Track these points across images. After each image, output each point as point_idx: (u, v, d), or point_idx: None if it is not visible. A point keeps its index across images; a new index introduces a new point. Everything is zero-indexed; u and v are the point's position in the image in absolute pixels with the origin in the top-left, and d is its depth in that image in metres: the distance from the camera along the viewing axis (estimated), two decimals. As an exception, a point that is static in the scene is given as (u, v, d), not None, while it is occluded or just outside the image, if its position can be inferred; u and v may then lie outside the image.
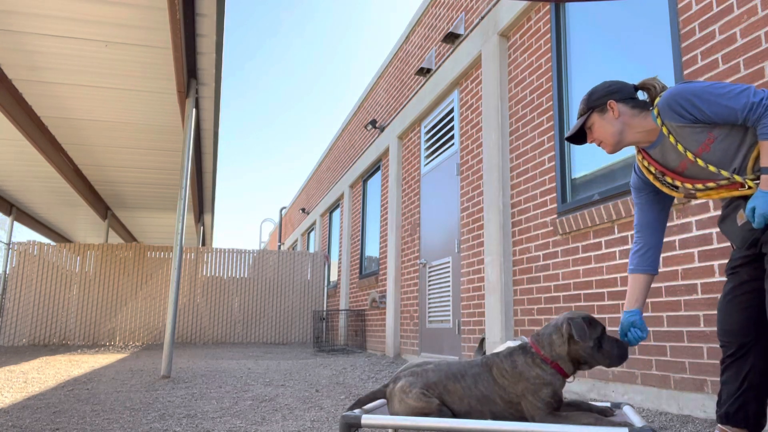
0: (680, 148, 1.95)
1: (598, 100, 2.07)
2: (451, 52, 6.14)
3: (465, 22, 5.95)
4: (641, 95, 2.13)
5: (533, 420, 1.89)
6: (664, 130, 1.96)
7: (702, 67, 3.09)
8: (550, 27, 4.53)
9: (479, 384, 1.97)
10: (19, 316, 10.76)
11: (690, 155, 1.94)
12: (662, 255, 3.24)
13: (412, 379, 2.02)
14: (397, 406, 1.99)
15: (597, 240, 3.79)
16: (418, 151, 7.24)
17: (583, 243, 3.92)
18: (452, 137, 6.26)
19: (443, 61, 6.35)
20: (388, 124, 8.31)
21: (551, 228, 4.28)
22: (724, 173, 1.89)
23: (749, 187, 1.87)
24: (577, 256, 3.97)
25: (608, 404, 2.28)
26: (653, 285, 3.30)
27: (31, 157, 8.51)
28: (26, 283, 10.92)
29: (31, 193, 10.96)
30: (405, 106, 7.60)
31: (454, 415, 1.98)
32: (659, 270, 3.26)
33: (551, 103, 4.42)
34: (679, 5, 3.30)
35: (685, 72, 3.19)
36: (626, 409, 2.13)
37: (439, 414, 1.92)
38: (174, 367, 6.18)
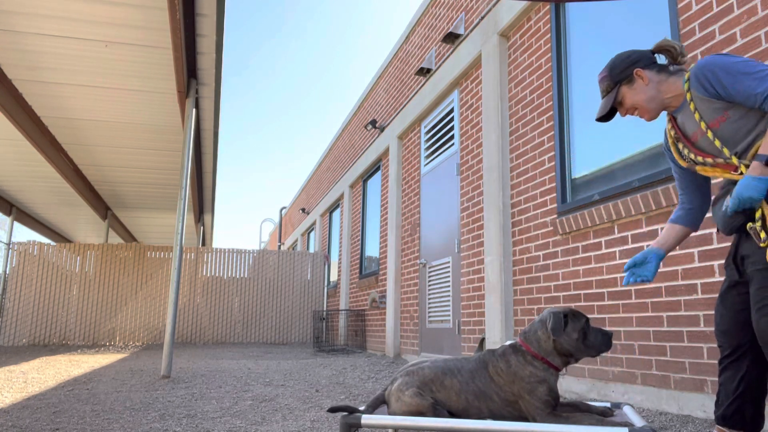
0: (696, 116, 1.95)
1: (623, 72, 2.06)
2: (451, 52, 6.14)
3: (465, 22, 5.95)
4: (659, 59, 2.12)
5: (534, 420, 1.89)
6: (688, 96, 1.96)
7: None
8: (550, 27, 4.53)
9: (476, 380, 1.99)
10: (19, 316, 10.76)
11: (703, 125, 1.94)
12: (662, 255, 3.24)
13: (408, 379, 2.04)
14: (394, 405, 2.01)
15: (597, 240, 3.79)
16: (418, 151, 7.24)
17: (583, 243, 3.92)
18: (452, 137, 6.26)
19: (443, 61, 6.35)
20: (388, 124, 8.31)
21: (551, 228, 4.28)
22: (726, 152, 1.89)
23: (741, 173, 1.86)
24: (577, 256, 3.97)
25: (608, 404, 2.28)
26: (653, 285, 3.30)
27: (31, 157, 8.51)
28: (26, 283, 10.92)
29: (31, 193, 10.96)
30: (405, 106, 7.60)
31: (451, 411, 1.98)
32: (660, 270, 3.26)
33: (551, 103, 4.42)
34: (679, 5, 3.30)
35: (685, 72, 3.19)
36: (626, 409, 2.13)
37: (434, 412, 1.94)
38: (174, 367, 6.18)
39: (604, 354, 3.68)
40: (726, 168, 1.92)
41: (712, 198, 2.10)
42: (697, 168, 2.00)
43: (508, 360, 1.98)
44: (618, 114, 2.17)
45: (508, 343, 2.06)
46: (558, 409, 1.96)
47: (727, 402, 2.03)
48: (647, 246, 3.37)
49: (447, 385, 1.99)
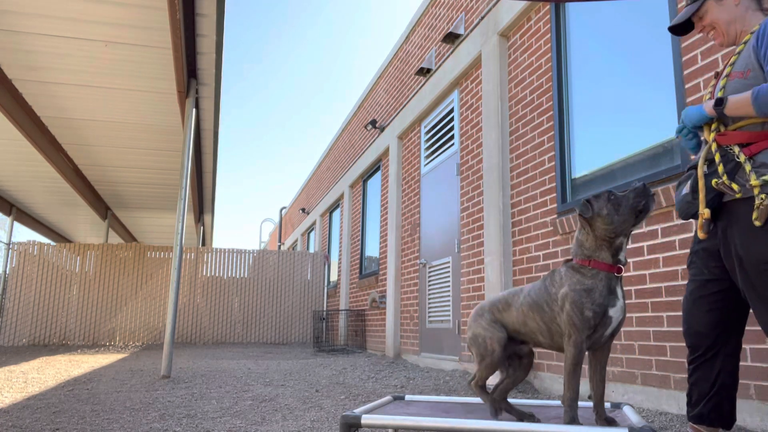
0: (733, 59, 1.92)
1: None
2: (451, 52, 6.14)
3: (465, 22, 5.95)
4: None
5: (563, 337, 1.91)
6: (747, 37, 1.90)
7: (702, 67, 3.09)
8: (550, 27, 4.53)
9: (531, 293, 2.03)
10: (19, 316, 10.76)
11: (728, 69, 1.92)
12: (662, 255, 3.24)
13: (485, 304, 2.16)
14: (473, 326, 2.13)
15: (597, 240, 3.79)
16: (418, 151, 7.24)
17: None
18: (452, 137, 6.26)
19: (443, 61, 6.35)
20: (388, 124, 8.31)
21: (551, 228, 4.28)
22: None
23: (719, 132, 1.87)
24: (577, 256, 3.97)
25: (608, 404, 2.28)
26: (653, 285, 3.30)
27: (31, 157, 8.51)
28: (26, 283, 10.92)
29: (31, 193, 10.96)
30: (405, 106, 7.60)
31: (514, 327, 2.06)
32: (659, 270, 3.26)
33: (551, 103, 4.42)
34: (679, 5, 3.30)
35: (685, 72, 3.19)
36: (626, 409, 2.13)
37: (502, 346, 2.04)
38: (174, 367, 6.18)
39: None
40: (708, 125, 1.91)
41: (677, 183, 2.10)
42: (704, 98, 2.02)
43: (560, 273, 1.97)
44: (692, 31, 2.09)
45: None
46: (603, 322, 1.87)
47: (703, 401, 2.03)
48: (647, 244, 3.37)
49: (510, 303, 2.07)
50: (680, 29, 2.09)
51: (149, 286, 11.51)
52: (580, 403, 2.31)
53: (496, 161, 5.02)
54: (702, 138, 2.01)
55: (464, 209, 5.73)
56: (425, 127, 7.06)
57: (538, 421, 1.99)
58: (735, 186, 1.77)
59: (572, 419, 1.85)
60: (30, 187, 10.42)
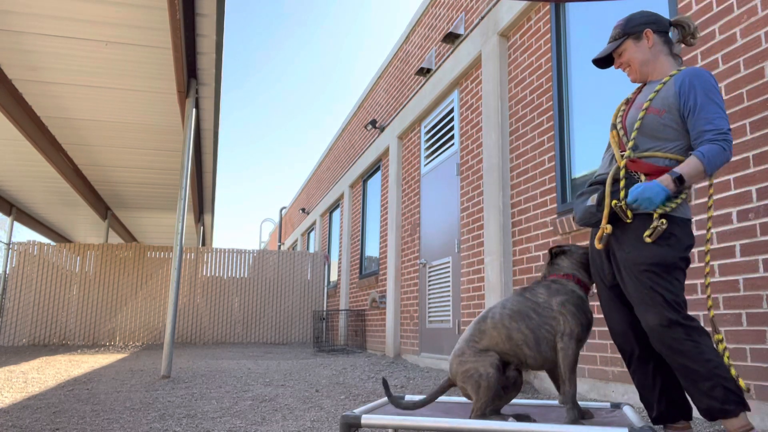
0: (651, 96, 2.06)
1: (635, 27, 2.13)
2: (451, 52, 6.14)
3: (465, 22, 5.95)
4: (672, 36, 2.21)
5: (557, 336, 1.96)
6: (666, 79, 2.05)
7: (701, 68, 3.09)
8: (550, 27, 4.53)
9: (508, 306, 2.07)
10: (19, 316, 10.76)
11: (647, 104, 2.04)
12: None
13: (463, 346, 2.14)
14: (456, 367, 2.09)
15: (597, 240, 3.79)
16: (418, 151, 7.24)
17: (583, 243, 3.92)
18: (452, 137, 6.26)
19: (443, 61, 6.35)
20: (388, 124, 8.31)
21: (551, 228, 4.28)
22: (629, 144, 2.04)
23: (623, 156, 2.02)
24: (577, 256, 3.97)
25: (608, 404, 2.28)
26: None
27: (31, 157, 8.51)
28: (26, 283, 10.92)
29: (31, 193, 10.96)
30: (405, 106, 7.60)
31: (498, 348, 2.05)
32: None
33: (551, 103, 4.42)
34: (679, 5, 3.30)
35: (685, 72, 3.19)
36: (626, 409, 2.13)
37: (496, 368, 2.00)
38: (174, 367, 6.18)
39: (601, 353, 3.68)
40: (621, 145, 2.08)
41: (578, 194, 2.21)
42: (611, 132, 2.13)
43: (548, 285, 2.08)
44: (615, 65, 2.26)
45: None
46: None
47: (655, 401, 2.07)
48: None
49: (483, 329, 2.08)
50: (602, 63, 2.26)
51: (149, 286, 11.51)
52: (584, 404, 2.31)
53: (496, 161, 5.02)
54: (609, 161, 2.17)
55: (464, 209, 5.73)
56: (425, 127, 7.06)
57: (534, 421, 1.99)
58: (629, 213, 1.96)
59: (575, 418, 1.85)
60: (30, 187, 10.42)
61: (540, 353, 1.98)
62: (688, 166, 1.89)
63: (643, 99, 2.09)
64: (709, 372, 1.80)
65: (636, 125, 2.04)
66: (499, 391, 2.09)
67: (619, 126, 2.12)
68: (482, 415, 1.99)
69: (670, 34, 2.18)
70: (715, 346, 1.93)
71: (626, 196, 1.98)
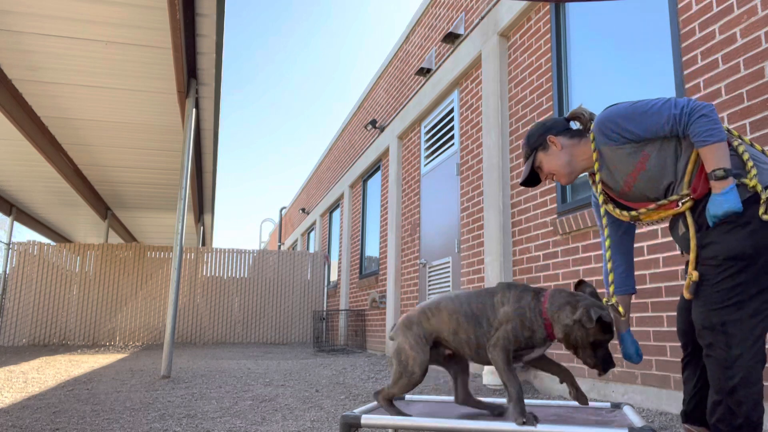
0: (614, 175, 2.00)
1: (537, 140, 2.14)
2: (451, 52, 6.14)
3: (465, 22, 5.95)
4: (574, 125, 2.20)
5: (487, 346, 1.93)
6: (594, 156, 2.01)
7: (702, 67, 3.09)
8: (550, 27, 4.53)
9: (472, 303, 2.00)
10: (19, 316, 10.76)
11: (622, 182, 1.99)
12: (662, 255, 3.25)
13: (417, 314, 2.10)
14: (400, 338, 2.08)
15: (597, 240, 3.79)
16: (418, 151, 7.24)
17: (583, 243, 3.92)
18: (452, 137, 6.26)
19: (443, 61, 6.35)
20: (388, 124, 8.31)
21: (551, 228, 4.28)
22: (657, 199, 1.95)
23: (683, 204, 1.90)
24: (577, 256, 3.97)
25: (608, 404, 2.28)
26: (653, 285, 3.30)
27: (31, 157, 8.51)
28: (26, 283, 10.92)
29: (31, 193, 10.96)
30: (405, 106, 7.60)
31: (443, 336, 2.03)
32: (659, 270, 3.26)
33: (551, 103, 4.42)
34: (679, 5, 3.30)
35: (685, 72, 3.19)
36: (626, 409, 2.13)
37: (423, 370, 2.00)
38: (174, 367, 6.18)
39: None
40: (668, 207, 1.94)
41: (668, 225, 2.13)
42: (642, 218, 2.01)
43: (522, 296, 1.94)
44: (542, 178, 2.23)
45: (533, 287, 2.03)
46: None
47: (687, 399, 2.06)
48: (647, 244, 3.37)
49: (441, 308, 2.04)
50: (530, 182, 2.22)
51: (149, 286, 11.51)
52: (576, 403, 2.32)
53: (496, 161, 5.02)
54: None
55: (464, 209, 5.73)
56: (425, 127, 7.06)
57: (507, 409, 2.01)
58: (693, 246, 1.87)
59: (522, 411, 1.83)
60: (30, 187, 10.42)
61: (476, 355, 1.99)
62: (714, 154, 1.78)
63: (624, 175, 2.00)
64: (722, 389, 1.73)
65: (651, 193, 1.95)
66: (448, 364, 2.14)
67: (643, 210, 1.98)
68: (389, 401, 2.05)
69: (572, 126, 2.15)
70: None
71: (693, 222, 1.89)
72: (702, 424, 2.04)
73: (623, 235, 2.16)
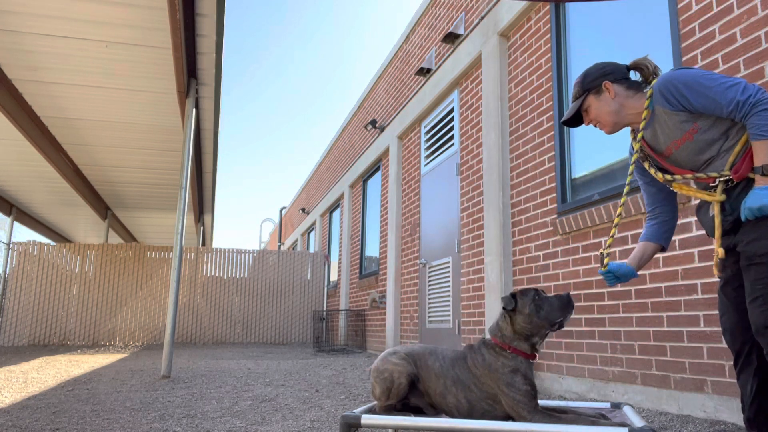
0: (642, 134, 1.98)
1: (593, 82, 2.08)
2: (451, 52, 6.14)
3: (465, 22, 5.95)
4: (633, 75, 2.13)
5: (520, 416, 1.90)
6: (646, 113, 1.97)
7: (702, 68, 3.09)
8: (550, 27, 4.53)
9: (455, 368, 2.03)
10: (19, 316, 10.76)
11: (664, 147, 1.96)
12: (662, 255, 3.24)
13: (398, 349, 2.14)
14: (378, 364, 2.08)
15: (597, 240, 3.79)
16: (418, 151, 7.24)
17: (583, 243, 3.92)
18: (452, 137, 6.26)
19: (443, 61, 6.35)
20: (388, 124, 8.31)
21: (551, 228, 4.28)
22: (702, 163, 1.92)
23: (715, 187, 1.88)
24: (577, 256, 3.97)
25: (608, 404, 2.28)
26: (653, 285, 3.30)
27: (31, 157, 8.51)
28: (26, 283, 10.92)
29: (31, 193, 10.95)
30: (405, 106, 7.60)
31: (429, 393, 2.03)
32: (660, 270, 3.26)
33: (551, 103, 4.42)
34: (679, 5, 3.30)
35: (685, 72, 3.19)
36: (626, 409, 2.13)
37: (408, 380, 2.01)
38: (174, 367, 6.18)
39: (605, 354, 3.68)
40: (705, 181, 1.92)
41: (696, 205, 2.10)
42: (674, 186, 2.01)
43: (482, 354, 2.02)
44: (585, 122, 2.19)
45: (481, 338, 2.07)
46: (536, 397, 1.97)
47: (747, 403, 1.95)
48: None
49: (429, 365, 2.05)
50: (572, 122, 2.19)
51: (149, 286, 11.51)
52: (576, 404, 2.32)
53: (496, 161, 5.02)
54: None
55: (464, 209, 5.73)
56: (425, 127, 7.06)
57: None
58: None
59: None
60: (30, 187, 10.42)
61: (471, 416, 1.98)
62: (764, 151, 1.75)
63: (667, 140, 1.97)
64: None
65: (688, 164, 1.93)
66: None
67: (679, 177, 1.98)
68: (388, 411, 2.04)
69: (631, 76, 2.12)
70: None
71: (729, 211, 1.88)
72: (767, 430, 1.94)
73: (664, 188, 2.15)
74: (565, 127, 2.26)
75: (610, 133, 2.11)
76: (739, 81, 1.80)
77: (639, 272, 3.40)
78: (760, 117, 1.74)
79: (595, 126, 2.13)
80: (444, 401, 2.01)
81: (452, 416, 2.01)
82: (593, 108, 2.08)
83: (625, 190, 2.14)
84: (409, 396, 2.07)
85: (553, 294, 2.01)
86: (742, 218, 1.80)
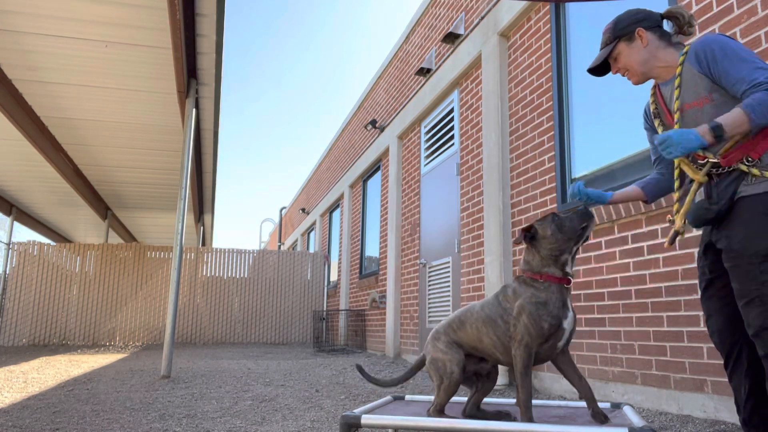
0: (676, 93, 1.94)
1: (626, 28, 2.01)
2: (451, 52, 6.14)
3: (465, 22, 5.95)
4: (666, 26, 2.08)
5: (506, 348, 1.96)
6: (678, 69, 1.93)
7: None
8: (550, 27, 4.53)
9: (485, 308, 2.04)
10: (19, 316, 10.76)
11: (677, 104, 1.93)
12: (662, 255, 3.24)
13: (440, 329, 2.16)
14: (430, 348, 2.13)
15: (597, 240, 3.79)
16: (418, 151, 7.24)
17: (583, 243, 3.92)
18: (452, 137, 6.26)
19: (443, 61, 6.35)
20: (388, 124, 8.31)
21: (551, 228, 4.27)
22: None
23: (704, 165, 1.87)
24: (577, 256, 3.98)
25: (608, 404, 2.28)
26: (653, 284, 3.30)
27: (31, 157, 8.51)
28: (26, 283, 10.92)
29: (31, 193, 10.95)
30: (405, 106, 7.60)
31: (468, 343, 2.06)
32: (660, 270, 3.26)
33: (551, 103, 4.42)
34: (680, 5, 3.30)
35: (685, 72, 3.19)
36: (626, 409, 2.13)
37: (461, 367, 2.04)
38: (174, 367, 6.18)
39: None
40: (697, 157, 1.89)
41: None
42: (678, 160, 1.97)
43: (512, 286, 2.02)
44: (610, 72, 2.14)
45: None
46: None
47: (742, 404, 1.93)
48: (647, 244, 3.36)
49: (464, 320, 2.08)
50: (599, 71, 2.14)
51: (149, 286, 11.51)
52: (576, 403, 2.32)
53: (496, 161, 5.02)
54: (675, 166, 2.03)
55: (464, 209, 5.73)
56: (425, 127, 7.06)
57: (515, 419, 2.02)
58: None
59: (530, 419, 1.86)
60: (30, 187, 10.42)
61: (510, 358, 1.99)
62: (731, 115, 1.70)
63: (682, 100, 1.93)
64: None
65: (676, 127, 1.89)
66: (476, 384, 2.15)
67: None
68: (440, 412, 2.04)
69: (664, 26, 2.05)
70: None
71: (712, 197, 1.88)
72: (764, 430, 1.91)
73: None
74: (590, 74, 2.19)
75: (637, 83, 2.06)
76: (759, 64, 1.77)
77: (640, 272, 3.41)
78: (759, 93, 1.69)
79: (623, 75, 2.07)
80: (482, 346, 2.03)
81: (497, 361, 2.03)
82: (623, 56, 2.02)
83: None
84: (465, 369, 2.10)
85: (571, 210, 2.02)
86: (656, 142, 1.78)
